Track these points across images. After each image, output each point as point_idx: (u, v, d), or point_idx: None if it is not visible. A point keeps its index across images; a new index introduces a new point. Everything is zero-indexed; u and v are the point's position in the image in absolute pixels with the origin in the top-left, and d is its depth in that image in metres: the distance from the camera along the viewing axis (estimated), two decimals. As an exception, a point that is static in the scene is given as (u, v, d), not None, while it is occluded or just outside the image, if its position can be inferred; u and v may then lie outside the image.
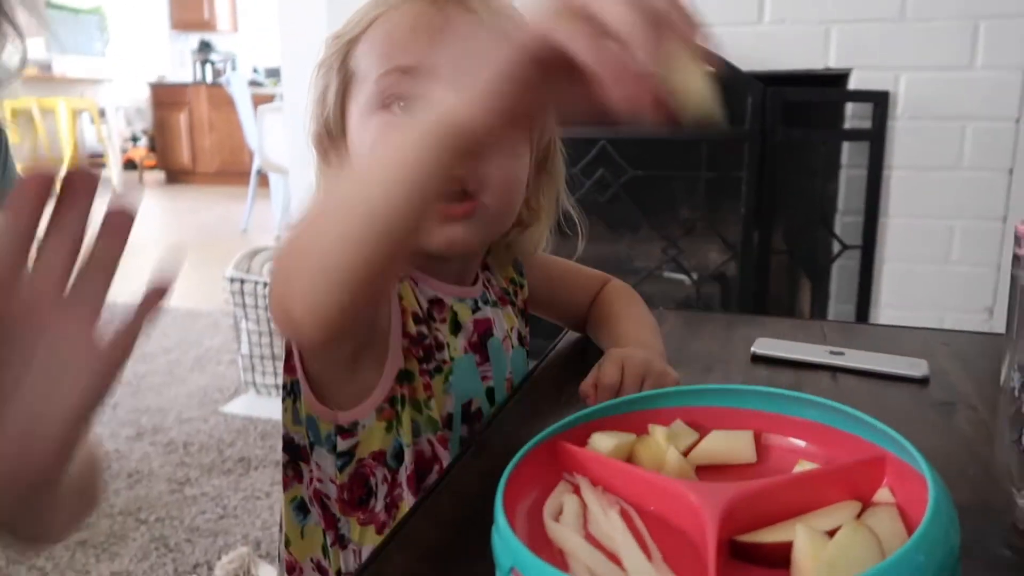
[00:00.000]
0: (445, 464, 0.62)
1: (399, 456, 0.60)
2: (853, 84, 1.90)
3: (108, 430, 2.07)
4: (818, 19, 1.88)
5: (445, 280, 0.66)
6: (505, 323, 0.72)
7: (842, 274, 2.02)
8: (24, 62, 0.51)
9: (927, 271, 1.94)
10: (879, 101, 1.87)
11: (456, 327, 0.65)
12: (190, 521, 1.63)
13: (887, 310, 1.97)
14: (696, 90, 0.34)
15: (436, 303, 0.65)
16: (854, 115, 1.96)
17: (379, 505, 0.60)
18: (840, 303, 2.04)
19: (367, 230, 0.41)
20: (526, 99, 0.39)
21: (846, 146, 1.99)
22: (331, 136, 0.64)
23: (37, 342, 0.34)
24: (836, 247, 1.98)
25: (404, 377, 0.60)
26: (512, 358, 0.72)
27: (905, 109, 1.88)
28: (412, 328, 0.61)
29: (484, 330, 0.68)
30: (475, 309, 0.68)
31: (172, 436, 2.03)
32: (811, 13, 1.88)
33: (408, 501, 0.60)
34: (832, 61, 1.90)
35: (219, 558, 1.49)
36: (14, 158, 0.62)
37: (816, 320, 1.06)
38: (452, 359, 0.64)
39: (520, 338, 0.75)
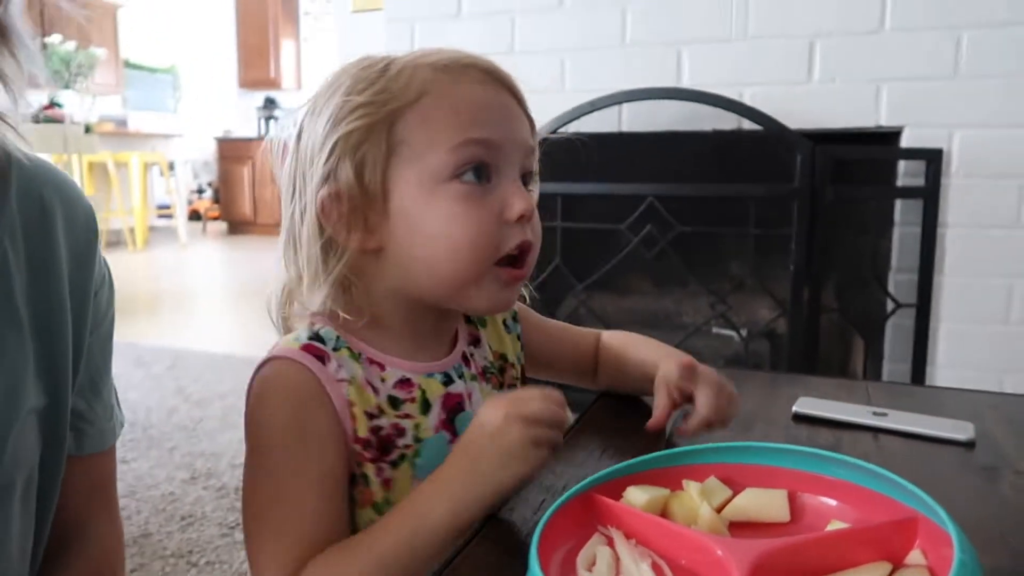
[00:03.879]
0: None
1: None
2: (905, 141, 1.90)
3: (165, 472, 2.12)
4: (868, 77, 1.89)
5: (415, 357, 0.66)
6: (483, 398, 0.70)
7: (896, 333, 1.98)
8: (19, 106, 0.54)
9: (985, 331, 1.89)
10: (933, 159, 1.86)
11: (426, 406, 0.65)
12: (238, 566, 1.66)
13: (944, 371, 1.92)
14: None
15: (404, 383, 0.64)
16: (907, 172, 1.94)
17: None
18: (894, 363, 1.99)
19: None
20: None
21: (899, 203, 1.97)
22: (369, 202, 0.62)
23: None
24: (890, 305, 1.95)
25: (353, 481, 0.61)
26: None
27: (960, 167, 1.87)
28: (364, 430, 0.61)
29: (454, 405, 0.67)
30: (447, 382, 0.67)
31: (224, 480, 2.08)
32: (861, 71, 1.90)
33: None
34: (883, 119, 1.90)
35: (265, 603, 1.51)
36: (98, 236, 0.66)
37: (862, 380, 1.05)
38: (421, 440, 0.63)
39: None
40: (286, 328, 0.67)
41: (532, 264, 0.65)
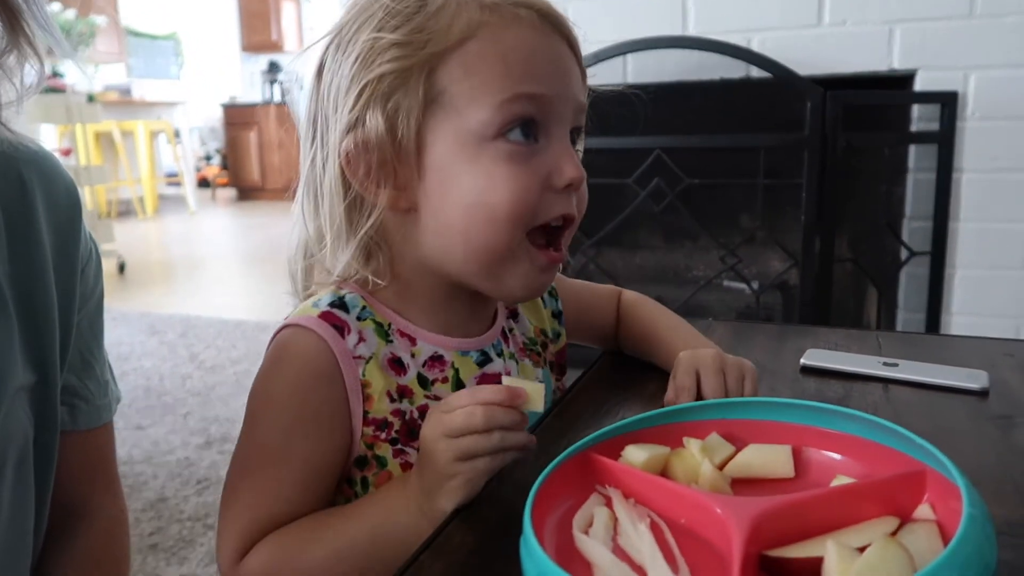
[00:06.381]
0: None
1: None
2: (919, 85, 1.84)
3: (180, 438, 2.14)
4: (880, 19, 1.83)
5: (449, 331, 0.61)
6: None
7: (911, 282, 1.95)
8: (41, 81, 0.53)
9: (1002, 278, 1.86)
10: (947, 102, 1.81)
11: (459, 386, 0.60)
12: (255, 528, 1.68)
13: (959, 319, 1.90)
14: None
15: (436, 360, 0.60)
16: (921, 117, 1.90)
17: None
18: (909, 312, 1.97)
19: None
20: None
21: (913, 149, 1.93)
22: (401, 157, 0.55)
23: None
24: (904, 253, 1.92)
25: (362, 463, 0.57)
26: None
27: (975, 109, 1.81)
28: (382, 411, 0.57)
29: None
30: (483, 361, 0.62)
31: (239, 445, 2.10)
32: (873, 13, 1.84)
33: None
34: (896, 62, 1.85)
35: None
36: (91, 235, 0.65)
37: (873, 331, 1.03)
38: None
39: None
40: (306, 293, 0.62)
41: (568, 242, 0.59)
